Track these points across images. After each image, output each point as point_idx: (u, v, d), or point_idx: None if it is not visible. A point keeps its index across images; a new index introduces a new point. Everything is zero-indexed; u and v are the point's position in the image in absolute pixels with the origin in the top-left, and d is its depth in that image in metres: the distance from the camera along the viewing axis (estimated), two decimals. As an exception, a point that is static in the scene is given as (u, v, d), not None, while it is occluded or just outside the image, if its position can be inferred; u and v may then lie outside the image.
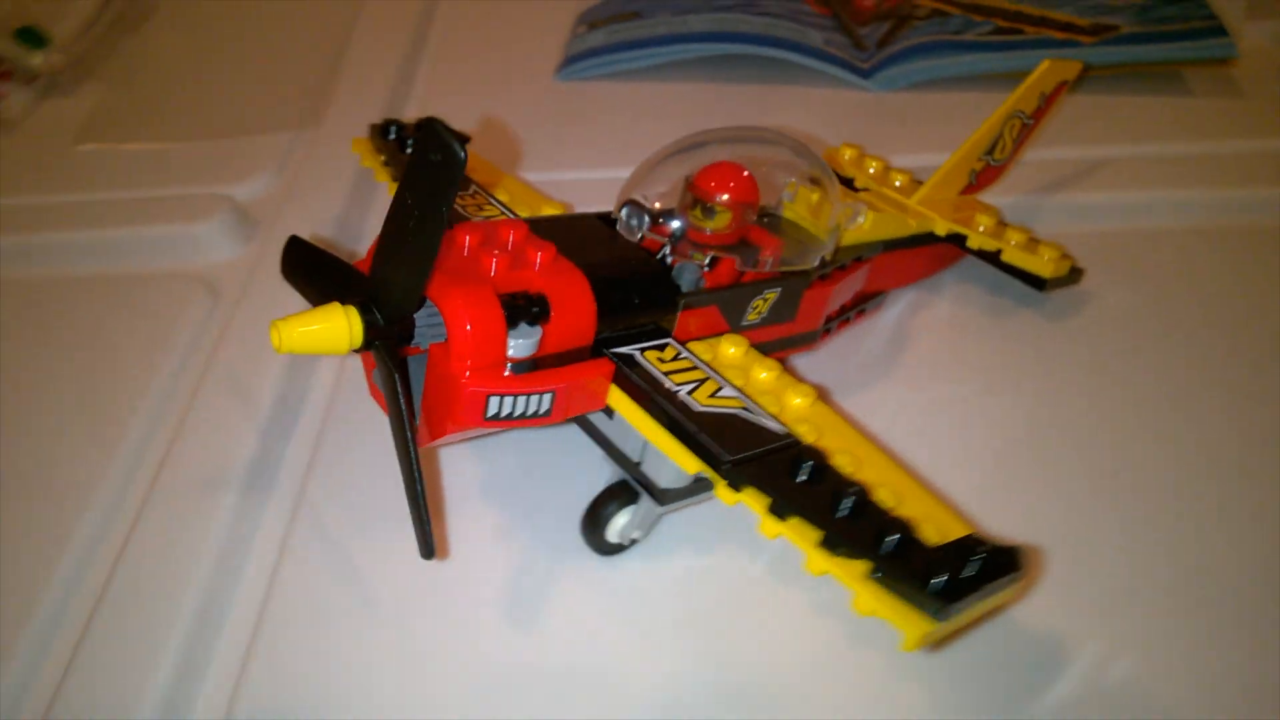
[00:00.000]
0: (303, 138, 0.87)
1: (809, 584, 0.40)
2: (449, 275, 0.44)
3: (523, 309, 0.44)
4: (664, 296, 0.50)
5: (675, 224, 0.52)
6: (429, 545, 0.43)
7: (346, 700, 0.47)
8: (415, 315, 0.44)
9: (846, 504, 0.40)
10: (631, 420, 0.46)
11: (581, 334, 0.46)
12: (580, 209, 0.69)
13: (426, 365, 0.45)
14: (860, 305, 0.64)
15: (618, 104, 0.91)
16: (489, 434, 0.56)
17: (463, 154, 0.38)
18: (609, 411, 0.49)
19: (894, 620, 0.38)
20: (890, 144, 0.82)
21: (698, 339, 0.51)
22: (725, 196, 0.51)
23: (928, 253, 0.67)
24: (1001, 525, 0.53)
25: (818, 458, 0.43)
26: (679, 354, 0.49)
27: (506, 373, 0.44)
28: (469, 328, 0.43)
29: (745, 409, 0.46)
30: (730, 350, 0.51)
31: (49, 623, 0.51)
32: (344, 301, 0.43)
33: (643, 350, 0.48)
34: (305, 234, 0.74)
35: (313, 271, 0.47)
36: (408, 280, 0.42)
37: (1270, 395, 0.61)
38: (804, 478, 0.42)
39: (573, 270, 0.47)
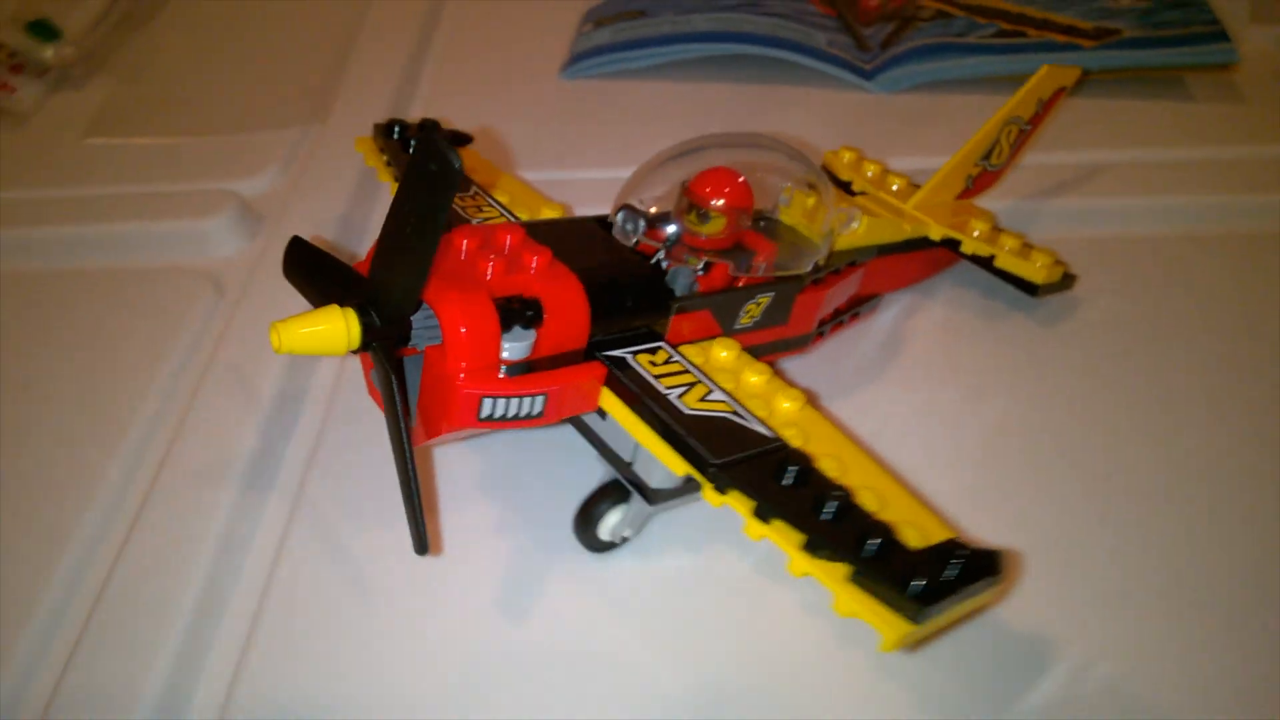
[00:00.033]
0: (309, 134, 0.88)
1: (796, 583, 0.41)
2: (445, 279, 0.45)
3: (517, 312, 0.45)
4: (657, 301, 0.51)
5: (670, 228, 0.53)
6: (423, 541, 0.44)
7: (343, 692, 0.48)
8: (412, 318, 0.45)
9: (830, 508, 0.41)
10: (622, 422, 0.47)
11: (575, 337, 0.47)
12: (583, 208, 0.70)
13: (423, 366, 0.46)
14: (855, 308, 0.65)
15: (621, 103, 0.91)
16: (484, 433, 0.57)
17: (458, 165, 0.39)
18: (602, 412, 0.50)
19: (873, 622, 0.39)
20: (892, 146, 0.83)
21: (691, 342, 0.52)
22: (720, 202, 0.52)
23: (922, 257, 0.67)
24: (990, 527, 0.54)
25: (803, 462, 0.43)
26: (670, 357, 0.49)
27: (501, 375, 0.46)
28: (464, 331, 0.44)
29: (734, 413, 0.46)
30: (722, 354, 0.52)
31: (53, 612, 0.52)
32: (343, 303, 0.44)
33: (635, 353, 0.49)
34: (310, 230, 0.77)
35: (313, 272, 0.48)
36: (405, 283, 0.43)
37: (1260, 403, 0.62)
38: (789, 481, 0.43)
39: (567, 275, 0.48)
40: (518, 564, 0.53)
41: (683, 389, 0.47)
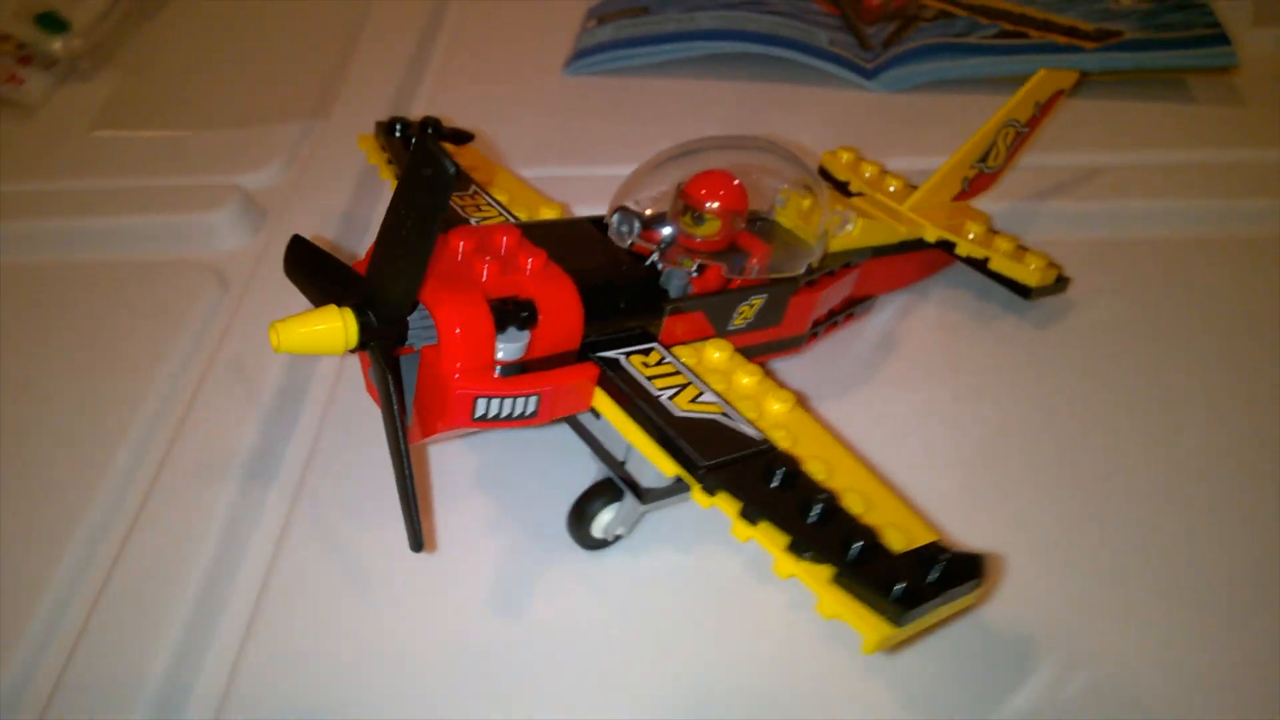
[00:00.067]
0: (313, 128, 0.88)
1: (784, 583, 0.42)
2: (441, 280, 0.46)
3: (512, 314, 0.46)
4: (651, 303, 0.51)
5: (666, 230, 0.53)
6: (418, 538, 0.45)
7: (339, 683, 0.49)
8: (409, 318, 0.46)
9: (815, 510, 0.42)
10: (614, 423, 0.48)
11: (568, 338, 0.48)
12: (584, 205, 0.71)
13: (419, 365, 0.47)
14: (849, 309, 0.65)
15: (624, 100, 0.92)
16: (480, 431, 0.58)
17: (453, 170, 0.39)
18: (595, 412, 0.50)
19: (855, 624, 0.39)
20: (892, 145, 0.84)
21: (684, 343, 0.53)
22: (715, 204, 0.53)
23: (918, 258, 0.68)
24: (981, 528, 0.55)
25: (790, 464, 0.44)
26: (663, 359, 0.50)
27: (496, 375, 0.46)
28: (458, 331, 0.45)
29: (724, 415, 0.47)
30: (715, 355, 0.52)
31: (57, 603, 0.53)
32: (341, 303, 0.45)
33: (628, 354, 0.50)
34: (313, 224, 0.78)
35: (313, 271, 0.49)
36: (402, 284, 0.44)
37: (1252, 409, 0.62)
38: (776, 484, 0.43)
39: (562, 277, 0.48)
40: (512, 560, 0.54)
41: (674, 390, 0.48)
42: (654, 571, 0.54)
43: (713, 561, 0.54)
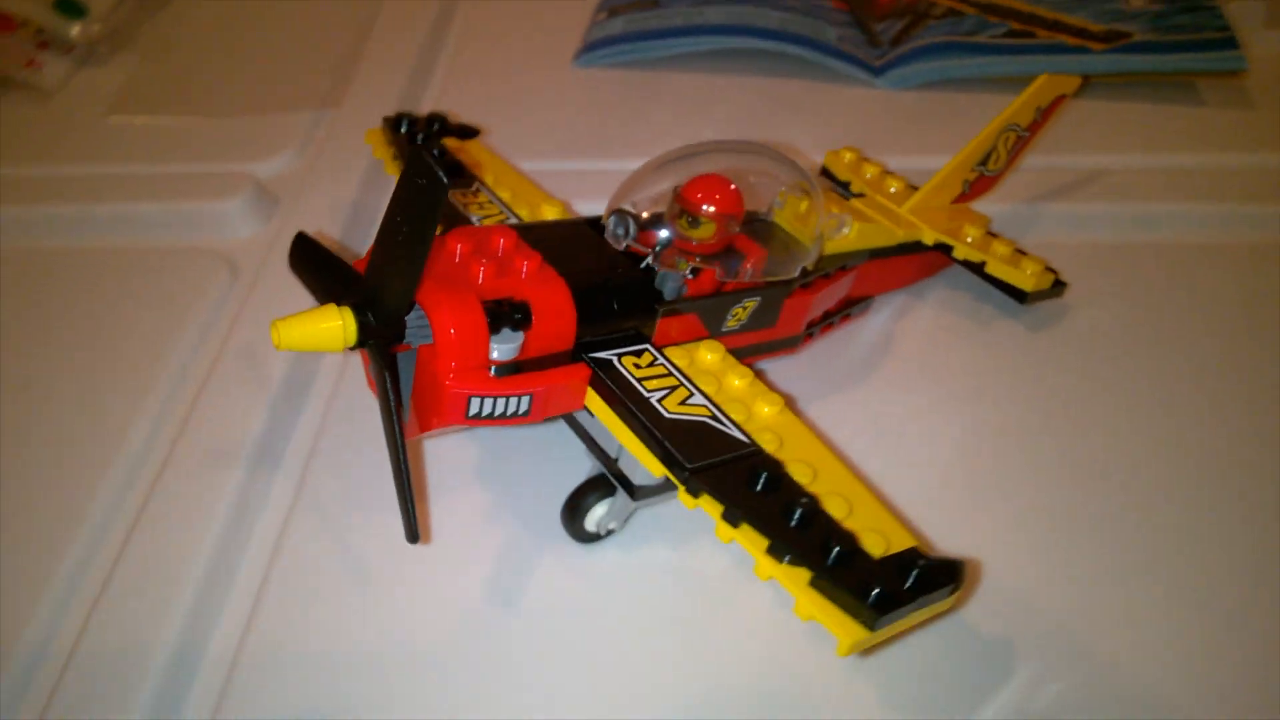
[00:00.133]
0: (325, 117, 0.90)
1: (769, 582, 0.43)
2: (438, 281, 0.47)
3: (506, 315, 0.47)
4: (644, 304, 0.52)
5: (662, 233, 0.54)
6: (414, 530, 0.46)
7: (337, 670, 0.50)
8: (406, 318, 0.47)
9: (796, 514, 0.43)
10: (605, 423, 0.49)
11: (562, 339, 0.49)
12: (590, 199, 0.72)
13: (416, 363, 0.49)
14: (846, 310, 0.66)
15: (632, 94, 0.93)
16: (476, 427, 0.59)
17: (446, 181, 0.41)
18: (589, 410, 0.52)
19: (831, 626, 0.41)
20: (897, 143, 0.84)
21: (677, 344, 0.54)
22: (710, 208, 0.54)
23: (916, 260, 0.69)
24: (971, 531, 0.56)
25: (774, 468, 0.45)
26: (655, 360, 0.51)
27: (490, 374, 0.48)
28: (453, 332, 0.46)
29: (712, 417, 0.48)
30: (707, 356, 0.53)
31: (67, 583, 0.55)
32: (340, 302, 0.46)
33: (620, 356, 0.51)
34: (324, 213, 0.79)
35: (316, 268, 0.50)
36: (399, 286, 0.45)
37: (1249, 420, 0.62)
38: (759, 487, 0.45)
39: (556, 279, 0.49)
40: (506, 552, 0.55)
41: (664, 392, 0.49)
42: (645, 566, 0.55)
43: (702, 558, 0.55)
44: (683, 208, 0.54)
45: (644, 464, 0.47)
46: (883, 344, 0.68)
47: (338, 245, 0.75)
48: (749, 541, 0.43)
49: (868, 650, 0.49)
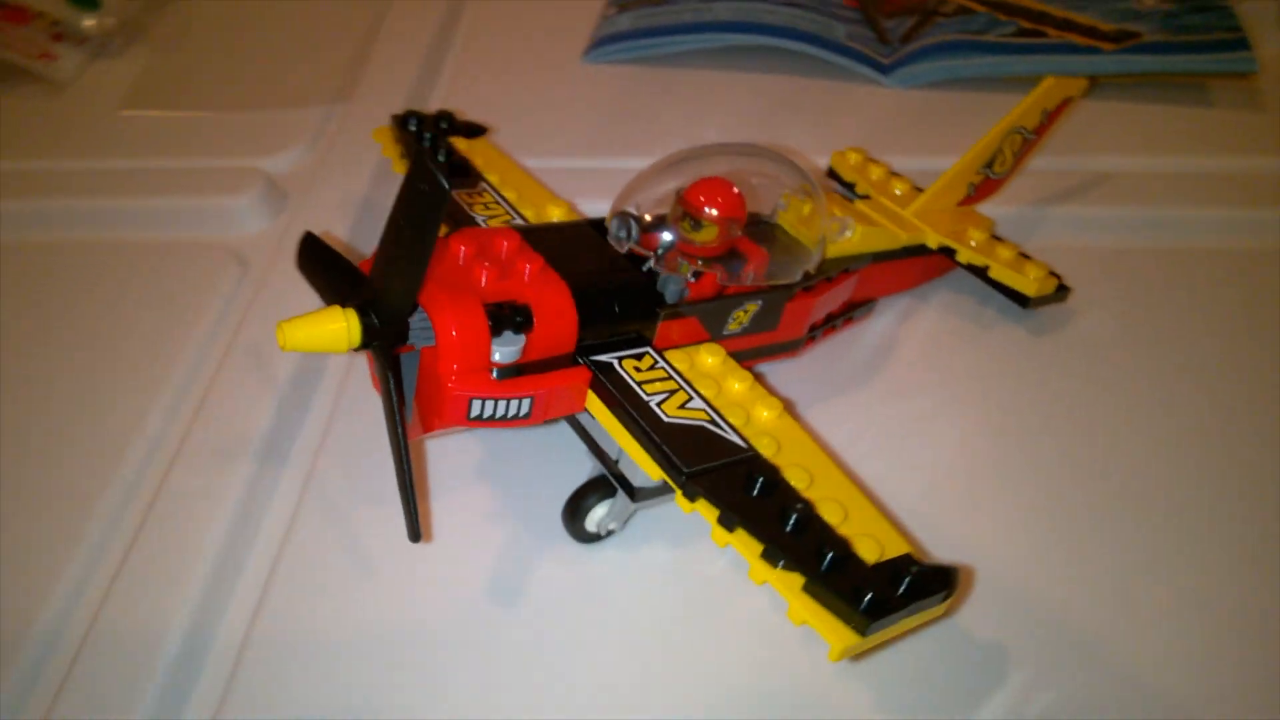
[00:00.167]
0: (335, 113, 0.90)
1: (765, 585, 0.44)
2: (441, 284, 0.48)
3: (508, 318, 0.48)
4: (646, 307, 0.53)
5: (664, 236, 0.55)
6: (416, 529, 0.47)
7: (339, 665, 0.51)
8: (410, 320, 0.47)
9: (791, 519, 0.44)
10: (605, 425, 0.50)
11: (563, 342, 0.50)
12: (597, 197, 0.72)
13: (418, 365, 0.49)
14: (848, 312, 0.67)
15: (640, 91, 0.93)
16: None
17: (448, 188, 0.41)
18: (589, 412, 0.52)
19: (822, 631, 0.41)
20: (905, 143, 0.84)
21: (678, 346, 0.54)
22: (713, 211, 0.54)
23: (920, 263, 0.69)
24: (970, 534, 0.56)
25: (770, 473, 0.46)
26: (655, 363, 0.52)
27: (492, 377, 0.48)
28: (455, 334, 0.46)
29: (710, 421, 0.49)
30: (708, 360, 0.54)
31: (78, 576, 0.56)
32: (345, 304, 0.47)
33: (621, 359, 0.51)
34: (334, 208, 0.80)
35: (323, 268, 0.51)
36: (402, 288, 0.46)
37: (1251, 430, 0.62)
38: (755, 492, 0.45)
39: (558, 282, 0.50)
40: (508, 551, 0.56)
41: (663, 396, 0.50)
42: (644, 566, 0.55)
43: (701, 559, 0.55)
44: (685, 210, 0.54)
45: (642, 467, 0.48)
46: (885, 347, 0.68)
47: (345, 245, 0.76)
48: (744, 546, 0.44)
49: (861, 655, 0.50)
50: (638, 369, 0.51)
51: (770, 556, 0.43)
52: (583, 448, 0.56)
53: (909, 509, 0.57)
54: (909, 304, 0.71)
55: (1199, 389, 0.65)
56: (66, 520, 0.58)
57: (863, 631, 0.41)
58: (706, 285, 0.55)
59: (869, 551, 0.43)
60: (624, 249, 0.55)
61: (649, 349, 0.53)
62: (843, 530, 0.44)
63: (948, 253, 0.68)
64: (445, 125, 0.71)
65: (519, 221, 0.62)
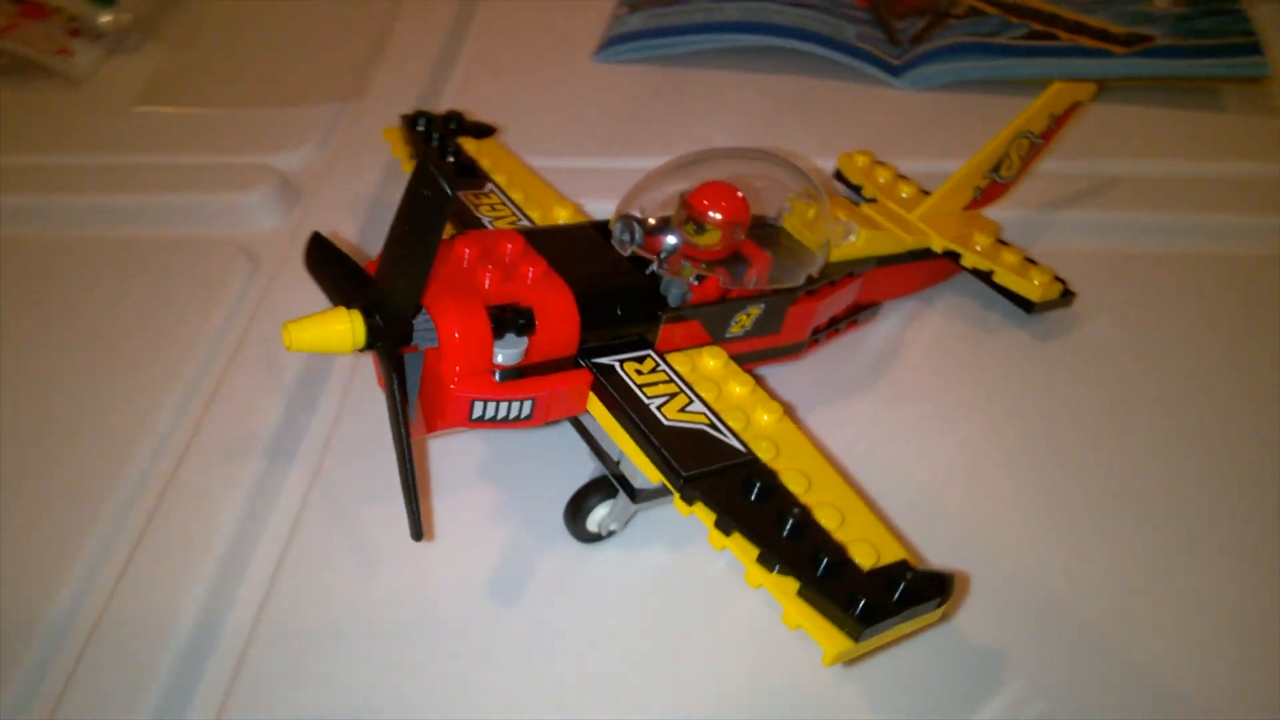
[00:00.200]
0: (347, 110, 0.91)
1: (762, 589, 0.44)
2: (444, 286, 0.48)
3: (510, 321, 0.48)
4: (648, 310, 0.53)
5: (670, 239, 0.55)
6: (418, 528, 0.48)
7: (343, 657, 0.52)
8: (414, 321, 0.48)
9: (788, 524, 0.44)
10: (606, 428, 0.50)
11: (565, 345, 0.50)
12: (604, 197, 0.72)
13: (422, 366, 0.50)
14: (853, 316, 0.67)
15: (650, 91, 0.93)
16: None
17: (450, 194, 0.42)
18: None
19: (816, 636, 0.42)
20: (914, 145, 0.84)
21: (681, 349, 0.55)
22: (717, 215, 0.54)
23: (924, 267, 0.69)
24: (962, 542, 0.56)
25: (768, 478, 0.46)
26: (656, 366, 0.52)
27: (495, 378, 0.49)
28: (457, 336, 0.47)
29: (710, 425, 0.49)
30: (710, 363, 0.54)
31: (87, 568, 0.56)
32: (350, 305, 0.47)
33: (623, 361, 0.52)
34: (344, 206, 0.80)
35: (329, 269, 0.52)
36: (406, 291, 0.46)
37: (1254, 438, 0.62)
38: (752, 496, 0.45)
39: (561, 285, 0.50)
40: (510, 549, 0.57)
41: (664, 399, 0.50)
42: (644, 566, 0.56)
43: (700, 560, 0.56)
44: (689, 214, 0.55)
45: (642, 470, 0.48)
46: (889, 351, 0.68)
47: (355, 243, 0.76)
48: (740, 550, 0.44)
49: (856, 660, 0.50)
50: (639, 372, 0.52)
51: (766, 561, 0.43)
52: (585, 448, 0.56)
53: (910, 513, 0.57)
54: (914, 307, 0.71)
55: (1204, 396, 0.65)
56: (76, 514, 0.59)
57: (856, 637, 0.41)
58: (709, 289, 0.55)
59: (865, 557, 0.44)
60: (627, 252, 0.55)
61: (651, 352, 0.53)
62: (839, 535, 0.45)
63: (952, 257, 0.68)
64: (454, 125, 0.71)
65: (525, 223, 0.62)
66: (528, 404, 0.49)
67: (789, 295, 0.58)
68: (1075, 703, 0.50)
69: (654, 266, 0.54)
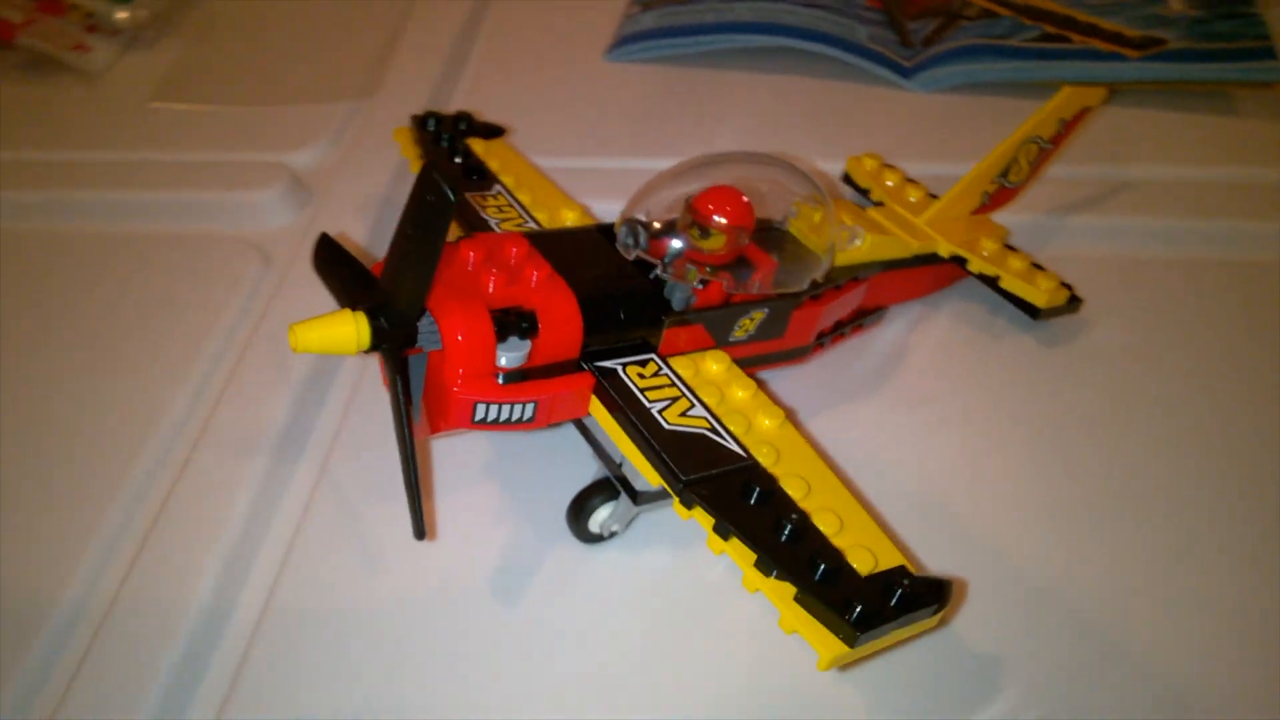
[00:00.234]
0: (359, 109, 0.91)
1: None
2: (449, 289, 0.49)
3: (513, 324, 0.49)
4: (652, 314, 0.53)
5: (675, 243, 0.55)
6: (421, 528, 0.48)
7: (345, 653, 0.53)
8: (418, 324, 0.48)
9: (786, 529, 0.44)
10: (608, 430, 0.51)
11: (568, 348, 0.51)
12: (613, 198, 0.73)
13: (426, 368, 0.50)
14: (858, 319, 0.67)
15: (660, 90, 0.93)
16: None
17: (453, 199, 0.42)
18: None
19: (812, 641, 0.42)
20: (925, 147, 0.84)
21: (684, 353, 0.55)
22: (721, 220, 0.55)
23: (931, 272, 0.69)
24: (963, 548, 0.56)
25: (767, 482, 0.47)
26: (659, 370, 0.53)
27: (498, 381, 0.49)
28: (460, 339, 0.47)
29: (711, 429, 0.50)
30: (713, 367, 0.54)
31: (97, 560, 0.57)
32: (355, 307, 0.48)
33: (625, 365, 0.52)
34: (355, 205, 0.81)
35: (337, 269, 0.52)
36: (410, 294, 0.47)
37: (1262, 446, 0.62)
38: (752, 500, 0.46)
39: (564, 290, 0.51)
40: (512, 549, 0.57)
41: (665, 403, 0.50)
42: (645, 568, 0.56)
43: (701, 563, 0.56)
44: (694, 219, 0.55)
45: (642, 473, 0.49)
46: (894, 356, 0.68)
47: (365, 242, 0.77)
48: (738, 554, 0.44)
49: (852, 664, 0.50)
50: (641, 376, 0.52)
51: (763, 566, 0.43)
52: (588, 450, 0.57)
53: (912, 517, 0.57)
54: (920, 312, 0.71)
55: (1212, 404, 0.65)
56: (87, 506, 0.59)
57: (851, 643, 0.41)
58: (713, 293, 0.56)
59: (862, 562, 0.44)
60: (632, 256, 0.55)
61: (654, 355, 0.53)
62: (837, 541, 0.45)
63: (959, 262, 0.68)
64: (464, 126, 0.72)
65: (532, 225, 0.63)
66: (530, 407, 0.50)
67: (793, 300, 0.58)
68: (1075, 706, 0.50)
69: (659, 271, 0.55)
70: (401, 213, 0.46)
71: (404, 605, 0.55)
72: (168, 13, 1.04)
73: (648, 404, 0.50)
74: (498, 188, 0.66)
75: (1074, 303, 0.69)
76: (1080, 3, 0.94)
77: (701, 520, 0.46)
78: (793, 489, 0.47)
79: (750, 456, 0.48)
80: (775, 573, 0.43)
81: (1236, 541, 0.57)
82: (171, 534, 0.58)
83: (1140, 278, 0.74)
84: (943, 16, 0.96)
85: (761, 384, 0.56)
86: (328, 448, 0.63)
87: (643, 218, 0.56)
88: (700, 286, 0.55)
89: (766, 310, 0.57)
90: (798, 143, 0.85)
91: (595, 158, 0.86)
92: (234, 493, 0.60)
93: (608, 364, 0.52)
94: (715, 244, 0.55)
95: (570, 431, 0.58)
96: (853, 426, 0.63)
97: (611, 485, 0.55)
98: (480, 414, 0.49)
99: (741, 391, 0.53)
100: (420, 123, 0.71)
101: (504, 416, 0.49)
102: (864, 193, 0.74)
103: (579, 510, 0.56)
